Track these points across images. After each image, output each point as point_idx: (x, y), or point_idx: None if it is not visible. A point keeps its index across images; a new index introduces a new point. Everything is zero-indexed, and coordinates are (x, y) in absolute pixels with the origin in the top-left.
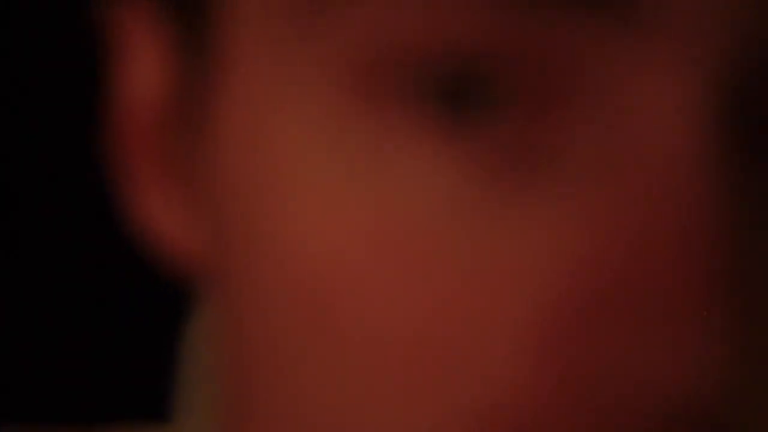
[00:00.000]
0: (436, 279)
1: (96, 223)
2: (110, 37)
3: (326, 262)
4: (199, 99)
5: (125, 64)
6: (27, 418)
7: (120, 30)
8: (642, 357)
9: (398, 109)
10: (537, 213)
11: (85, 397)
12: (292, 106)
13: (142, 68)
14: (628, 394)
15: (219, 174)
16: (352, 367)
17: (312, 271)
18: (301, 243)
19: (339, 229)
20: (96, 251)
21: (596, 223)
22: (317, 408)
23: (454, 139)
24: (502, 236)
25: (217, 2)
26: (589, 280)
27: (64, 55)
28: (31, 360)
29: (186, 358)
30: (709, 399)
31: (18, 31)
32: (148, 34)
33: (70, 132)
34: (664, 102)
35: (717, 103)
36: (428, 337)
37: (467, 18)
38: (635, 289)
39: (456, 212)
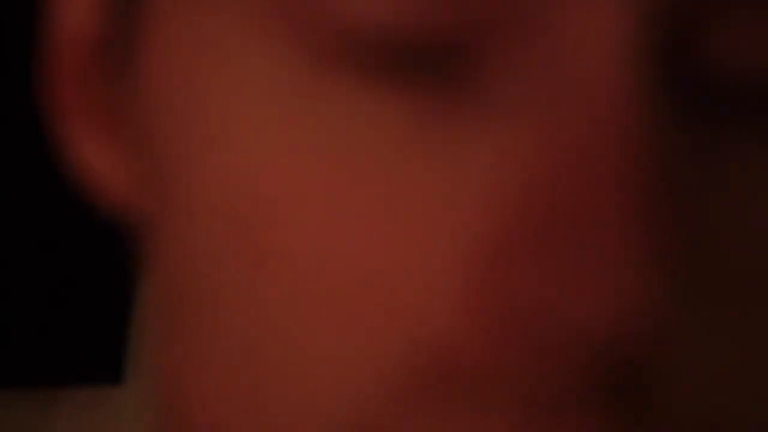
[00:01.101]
0: (368, 212)
1: (36, 173)
2: None
3: (256, 198)
4: (130, 39)
5: (56, 1)
6: None
7: None
8: (566, 291)
9: (336, 62)
10: (469, 145)
11: (35, 360)
12: (225, 48)
13: (73, 5)
14: (550, 330)
15: (149, 114)
16: (283, 300)
17: (240, 209)
18: (231, 182)
19: (269, 165)
20: (39, 206)
21: (526, 153)
22: (249, 343)
23: (390, 86)
24: (434, 168)
25: None
26: (518, 211)
27: None
28: None
29: (138, 317)
30: (628, 341)
31: None
32: None
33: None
34: (597, 35)
35: (652, 38)
36: (360, 269)
37: None
38: (563, 220)
39: (387, 146)
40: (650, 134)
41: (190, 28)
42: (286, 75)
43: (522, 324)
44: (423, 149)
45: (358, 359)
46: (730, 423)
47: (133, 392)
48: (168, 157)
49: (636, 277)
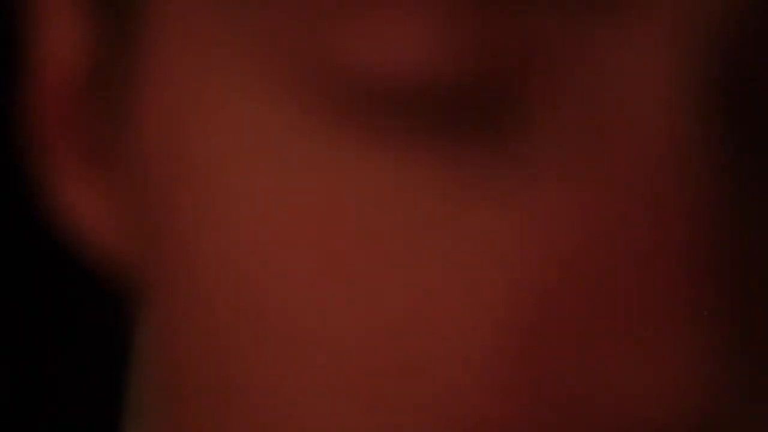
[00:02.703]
0: (391, 285)
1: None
2: None
3: (266, 265)
4: (120, 72)
5: (38, 28)
6: None
7: None
8: (619, 370)
9: (356, 121)
10: (501, 206)
11: (26, 409)
12: (226, 94)
13: (56, 32)
14: (601, 411)
15: (142, 160)
16: (299, 380)
17: (251, 277)
18: (237, 242)
19: (279, 228)
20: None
21: (569, 218)
22: (258, 410)
23: (408, 142)
24: (464, 235)
25: None
26: (561, 283)
27: None
28: None
29: (135, 364)
30: (690, 425)
31: None
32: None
33: None
34: (645, 82)
35: (702, 76)
36: (384, 345)
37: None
38: (613, 292)
39: (412, 212)
40: (712, 189)
41: (188, 73)
42: (297, 132)
43: (565, 410)
44: (450, 213)
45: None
46: None
47: None
48: (164, 207)
49: (701, 362)
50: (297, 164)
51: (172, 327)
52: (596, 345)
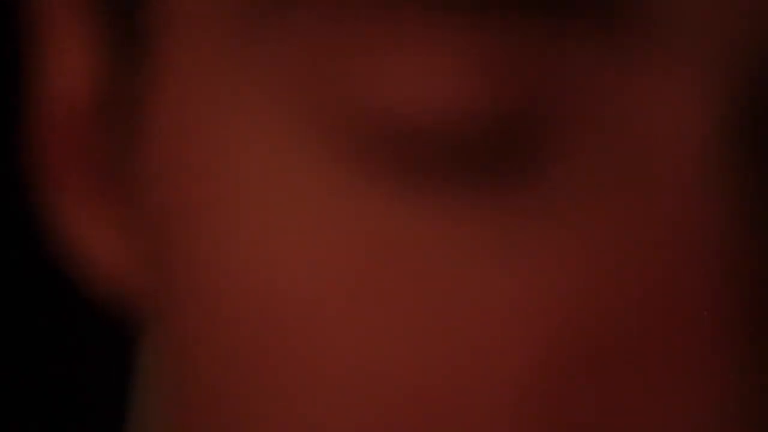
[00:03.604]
0: (414, 334)
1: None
2: (29, 23)
3: (286, 302)
4: (130, 100)
5: (46, 54)
6: None
7: (40, 15)
8: (648, 421)
9: (373, 163)
10: (523, 250)
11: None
12: (240, 129)
13: (65, 59)
14: None
15: (153, 188)
16: (319, 417)
17: (271, 314)
18: (247, 272)
19: (298, 267)
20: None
21: (592, 259)
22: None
23: (429, 185)
24: (485, 282)
25: None
26: (587, 327)
27: None
28: None
29: (137, 388)
30: None
31: None
32: (72, 20)
33: None
34: (676, 128)
35: (731, 117)
36: (404, 384)
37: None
38: (642, 338)
39: (433, 253)
40: (738, 244)
41: (199, 104)
42: (311, 170)
43: None
44: (468, 261)
45: None
46: None
47: None
48: (179, 240)
49: (734, 415)
50: (311, 202)
51: (183, 350)
52: (618, 398)
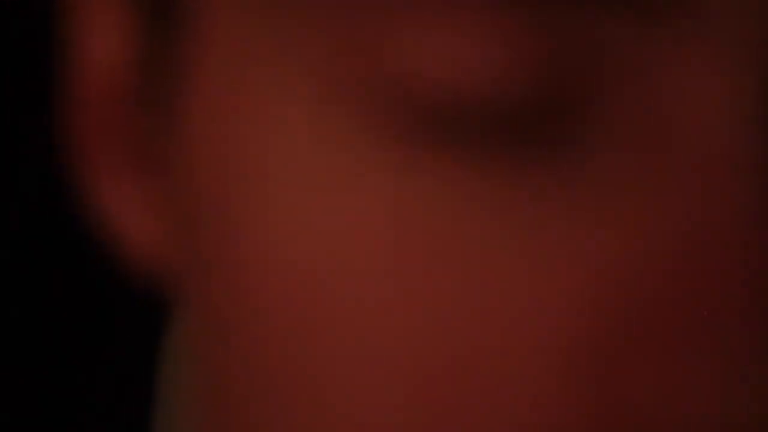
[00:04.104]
0: (461, 306)
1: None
2: (66, 2)
3: (324, 282)
4: (167, 79)
5: (80, 27)
6: None
7: None
8: (686, 394)
9: (416, 138)
10: (567, 222)
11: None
12: (279, 97)
13: (100, 34)
14: None
15: (189, 167)
16: (359, 401)
17: (308, 293)
18: (284, 254)
19: (330, 242)
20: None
21: (633, 231)
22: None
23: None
24: (529, 250)
25: None
26: (623, 297)
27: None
28: None
29: (164, 377)
30: None
31: None
32: None
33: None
34: (709, 103)
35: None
36: (435, 360)
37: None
38: (680, 308)
39: (469, 230)
40: None
41: (238, 83)
42: (354, 148)
43: (638, 423)
44: (509, 231)
45: None
46: None
47: None
48: (216, 218)
49: None
50: (355, 181)
51: (216, 337)
52: (672, 369)
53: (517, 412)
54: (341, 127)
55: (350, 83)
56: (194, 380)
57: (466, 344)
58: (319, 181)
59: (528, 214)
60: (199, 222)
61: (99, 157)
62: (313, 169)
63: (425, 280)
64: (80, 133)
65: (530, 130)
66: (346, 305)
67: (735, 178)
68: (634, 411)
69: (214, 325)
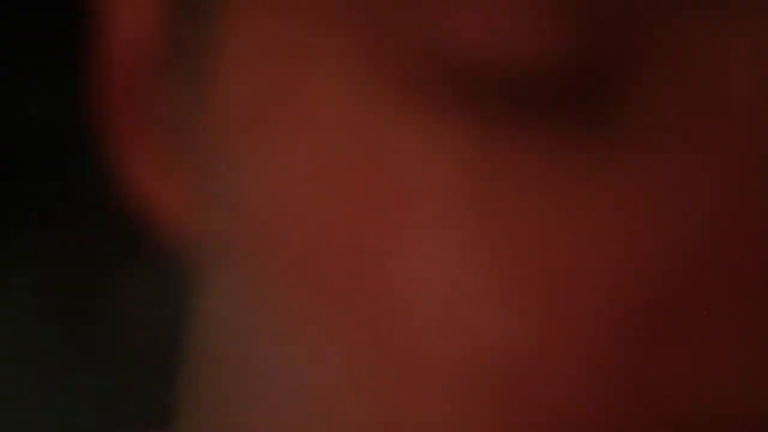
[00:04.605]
0: (489, 268)
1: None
2: None
3: (360, 250)
4: (197, 46)
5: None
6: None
7: None
8: (727, 370)
9: (457, 107)
10: (605, 182)
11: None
12: (310, 59)
13: (132, 5)
14: (709, 410)
15: (223, 131)
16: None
17: (342, 260)
18: (322, 205)
19: (368, 214)
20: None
21: (676, 195)
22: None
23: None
24: (571, 215)
25: None
26: (672, 263)
27: None
28: None
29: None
30: None
31: None
32: None
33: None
34: (752, 76)
35: None
36: (477, 333)
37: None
38: (724, 281)
39: (521, 195)
40: None
41: (272, 53)
42: (395, 119)
43: (676, 399)
44: (554, 196)
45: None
46: None
47: None
48: (248, 178)
49: None
50: (394, 154)
51: (249, 296)
52: (692, 347)
53: (562, 363)
54: (377, 88)
55: (386, 45)
56: (224, 330)
57: (515, 307)
58: (354, 140)
59: (569, 180)
60: (229, 182)
61: (124, 125)
62: (346, 125)
63: (483, 253)
64: (107, 101)
65: (573, 93)
66: (389, 259)
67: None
68: (670, 389)
69: (245, 276)
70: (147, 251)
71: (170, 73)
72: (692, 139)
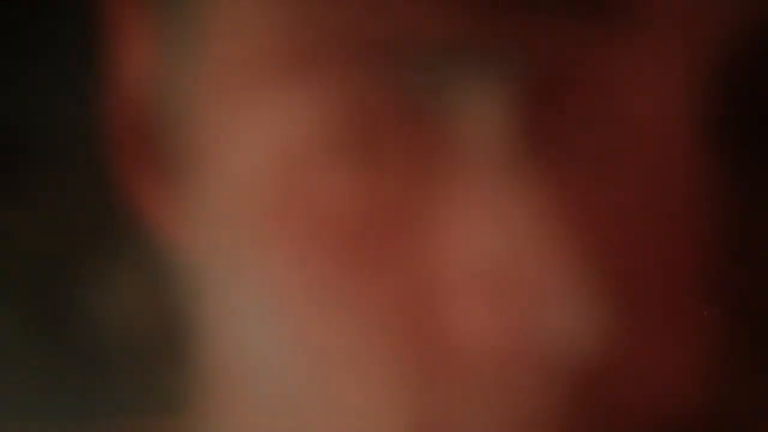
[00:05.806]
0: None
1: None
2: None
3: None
4: (181, 88)
5: (118, 51)
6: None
7: (112, 18)
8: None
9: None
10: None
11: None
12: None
13: (126, 42)
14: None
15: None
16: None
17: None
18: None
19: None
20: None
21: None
22: None
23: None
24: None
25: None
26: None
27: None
28: None
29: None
30: (693, 410)
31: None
32: (135, 13)
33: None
34: (651, 91)
35: (707, 90)
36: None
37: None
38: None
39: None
40: (715, 189)
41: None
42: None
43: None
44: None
45: None
46: None
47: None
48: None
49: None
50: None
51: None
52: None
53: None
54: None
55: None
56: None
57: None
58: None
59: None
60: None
61: (128, 153)
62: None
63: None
64: (113, 130)
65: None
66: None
67: (676, 163)
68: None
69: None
70: (138, 247)
71: (159, 117)
72: (583, 154)
